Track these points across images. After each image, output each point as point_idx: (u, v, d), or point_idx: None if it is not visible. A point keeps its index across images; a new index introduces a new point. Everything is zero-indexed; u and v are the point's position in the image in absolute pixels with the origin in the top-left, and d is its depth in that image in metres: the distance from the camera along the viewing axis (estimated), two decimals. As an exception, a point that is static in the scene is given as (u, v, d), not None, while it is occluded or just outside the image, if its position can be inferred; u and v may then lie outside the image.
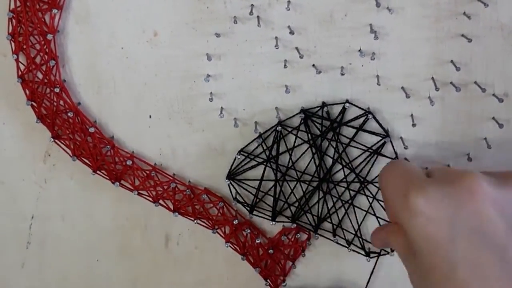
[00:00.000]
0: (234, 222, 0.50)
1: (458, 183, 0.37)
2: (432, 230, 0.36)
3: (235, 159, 0.49)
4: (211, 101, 0.48)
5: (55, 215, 0.52)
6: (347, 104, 0.47)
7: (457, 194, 0.37)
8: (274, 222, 0.50)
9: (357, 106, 0.47)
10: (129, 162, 0.49)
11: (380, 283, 0.52)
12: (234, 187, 0.50)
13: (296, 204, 0.50)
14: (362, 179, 0.48)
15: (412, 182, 0.38)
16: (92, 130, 0.48)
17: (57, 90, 0.47)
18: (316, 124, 0.48)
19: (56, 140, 0.48)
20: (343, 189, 0.49)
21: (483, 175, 0.37)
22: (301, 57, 0.46)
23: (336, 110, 0.48)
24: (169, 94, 0.48)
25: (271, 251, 0.51)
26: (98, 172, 0.49)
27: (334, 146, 0.48)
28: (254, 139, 0.48)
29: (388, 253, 0.50)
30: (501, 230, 0.36)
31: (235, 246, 0.51)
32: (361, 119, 0.47)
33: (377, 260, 0.51)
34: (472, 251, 0.35)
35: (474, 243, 0.36)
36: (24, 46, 0.46)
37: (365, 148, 0.48)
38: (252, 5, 0.45)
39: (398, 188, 0.39)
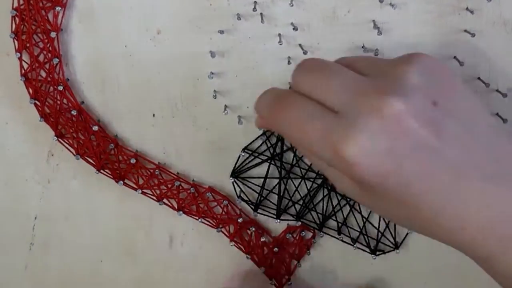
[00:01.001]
0: (239, 221, 0.50)
1: (380, 112, 0.33)
2: (374, 168, 0.33)
3: (239, 157, 0.49)
4: (215, 99, 0.48)
5: (59, 215, 0.52)
6: (351, 100, 0.47)
7: (385, 126, 0.33)
8: (278, 220, 0.50)
9: (361, 102, 0.47)
10: (133, 161, 0.48)
11: (381, 283, 0.52)
12: (238, 185, 0.49)
13: (301, 202, 0.49)
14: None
15: (333, 131, 0.34)
16: (95, 128, 0.48)
17: (60, 88, 0.47)
18: (320, 120, 0.48)
19: (60, 139, 0.48)
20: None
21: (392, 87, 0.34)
22: (304, 53, 0.46)
23: (340, 106, 0.47)
24: (172, 92, 0.48)
25: (276, 249, 0.51)
26: (102, 171, 0.49)
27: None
28: (258, 137, 0.48)
29: (393, 249, 0.50)
30: (426, 136, 0.33)
31: (240, 245, 0.51)
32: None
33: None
34: (416, 168, 0.33)
35: (415, 160, 0.33)
36: (28, 44, 0.46)
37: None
38: (255, 1, 0.45)
39: (316, 138, 0.34)
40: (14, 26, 0.45)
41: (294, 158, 0.48)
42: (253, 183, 0.49)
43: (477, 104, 0.36)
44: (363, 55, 0.40)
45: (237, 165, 0.49)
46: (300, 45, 0.46)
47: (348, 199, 0.49)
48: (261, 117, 0.38)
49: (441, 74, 0.36)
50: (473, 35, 0.45)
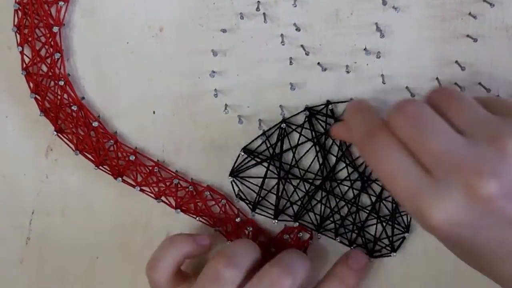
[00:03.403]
0: (236, 220, 0.50)
1: (475, 190, 0.34)
2: (453, 232, 0.36)
3: (238, 156, 0.49)
4: (215, 97, 0.48)
5: (56, 210, 0.52)
6: (351, 103, 0.47)
7: (476, 203, 0.35)
8: (276, 221, 0.50)
9: (361, 105, 0.47)
10: (132, 158, 0.48)
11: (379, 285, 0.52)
12: (237, 185, 0.49)
13: (299, 203, 0.49)
14: (365, 178, 0.48)
15: (420, 190, 0.35)
16: (95, 124, 0.48)
17: (61, 83, 0.47)
18: (320, 122, 0.48)
19: (59, 134, 0.48)
20: (346, 188, 0.49)
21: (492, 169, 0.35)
22: (307, 54, 0.46)
23: (341, 108, 0.48)
24: (173, 90, 0.48)
25: (273, 250, 0.51)
26: (100, 167, 0.49)
27: (338, 144, 0.48)
28: (258, 136, 0.48)
29: (390, 253, 0.50)
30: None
31: (237, 244, 0.51)
32: (366, 118, 0.47)
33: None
34: (494, 237, 0.37)
35: (494, 232, 0.36)
36: (30, 38, 0.46)
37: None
38: (258, 1, 0.45)
39: (402, 188, 0.36)
40: (16, 19, 0.45)
41: (293, 159, 0.48)
42: (251, 183, 0.49)
43: None
44: (466, 99, 0.38)
45: (236, 165, 0.49)
46: (302, 46, 0.46)
47: (346, 201, 0.49)
48: (347, 132, 0.41)
49: None
50: (475, 40, 0.45)
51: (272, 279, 0.45)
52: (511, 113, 0.37)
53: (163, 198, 0.50)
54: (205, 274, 0.45)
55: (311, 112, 0.47)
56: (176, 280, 0.48)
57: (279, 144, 0.48)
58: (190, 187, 0.49)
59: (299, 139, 0.48)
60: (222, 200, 0.50)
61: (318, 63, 0.47)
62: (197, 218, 0.50)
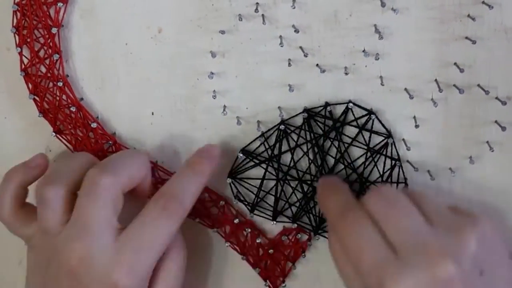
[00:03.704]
0: (235, 222, 0.50)
1: (433, 271, 0.37)
2: None
3: (237, 157, 0.49)
4: (214, 99, 0.48)
5: (55, 211, 0.52)
6: (350, 104, 0.47)
7: (434, 285, 0.37)
8: (274, 222, 0.50)
9: (360, 107, 0.47)
10: (130, 159, 0.48)
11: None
12: (236, 186, 0.49)
13: (297, 204, 0.49)
14: (364, 180, 0.48)
15: (384, 269, 0.38)
16: (94, 125, 0.48)
17: (60, 84, 0.47)
18: (318, 123, 0.48)
19: (58, 135, 0.48)
20: (345, 189, 0.49)
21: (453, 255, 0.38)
22: (305, 55, 0.46)
23: (339, 110, 0.48)
24: (172, 91, 0.48)
25: (271, 251, 0.51)
26: (99, 168, 0.49)
27: (337, 146, 0.48)
28: (257, 138, 0.48)
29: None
30: None
31: (235, 245, 0.51)
32: (364, 119, 0.47)
33: None
34: None
35: None
36: (28, 40, 0.46)
37: (367, 148, 0.48)
38: (257, 3, 0.45)
39: (368, 266, 0.39)
40: (15, 20, 0.45)
41: (292, 161, 0.48)
42: (250, 184, 0.49)
43: None
44: (432, 199, 0.43)
45: (234, 166, 0.49)
46: (301, 47, 0.46)
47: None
48: (324, 208, 0.45)
49: (494, 243, 0.41)
50: (474, 42, 0.45)
51: (91, 179, 0.43)
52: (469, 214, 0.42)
53: (161, 199, 0.50)
54: (83, 185, 0.43)
55: (310, 113, 0.47)
56: (24, 216, 0.46)
57: (277, 145, 0.48)
58: (188, 188, 0.49)
59: (297, 141, 0.48)
60: (221, 202, 0.50)
61: (317, 64, 0.47)
62: (196, 219, 0.50)
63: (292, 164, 0.49)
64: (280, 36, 0.46)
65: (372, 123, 0.47)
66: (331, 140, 0.48)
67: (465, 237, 0.39)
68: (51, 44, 0.46)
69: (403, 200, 0.41)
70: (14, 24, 0.45)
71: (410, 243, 0.39)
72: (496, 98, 0.47)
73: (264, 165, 0.49)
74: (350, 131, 0.48)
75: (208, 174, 0.46)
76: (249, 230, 0.50)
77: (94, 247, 0.41)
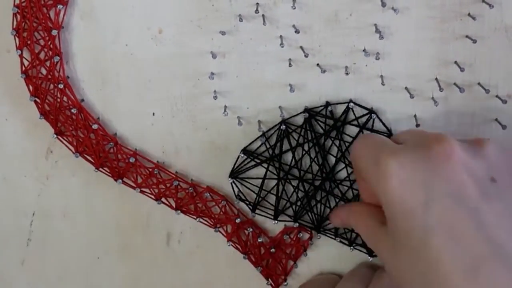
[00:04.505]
0: (236, 221, 0.50)
1: (432, 147, 0.37)
2: (406, 193, 0.36)
3: (238, 157, 0.49)
4: (215, 99, 0.48)
5: (57, 212, 0.52)
6: (351, 104, 0.47)
7: (431, 158, 0.37)
8: (276, 221, 0.50)
9: (361, 106, 0.47)
10: (132, 160, 0.48)
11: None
12: (237, 186, 0.50)
13: (299, 203, 0.50)
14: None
15: (383, 148, 0.39)
16: (95, 127, 0.48)
17: (60, 86, 0.47)
18: (319, 123, 0.48)
19: (59, 137, 0.48)
20: (346, 188, 0.49)
21: (456, 140, 0.38)
22: (306, 55, 0.46)
23: (340, 109, 0.48)
24: (173, 91, 0.48)
25: (273, 250, 0.51)
26: (100, 169, 0.49)
27: (338, 145, 0.48)
28: (258, 138, 0.48)
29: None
30: (474, 194, 0.36)
31: (237, 245, 0.51)
32: (365, 119, 0.47)
33: None
34: (447, 215, 0.35)
35: (449, 207, 0.36)
36: (29, 42, 0.46)
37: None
38: (257, 3, 0.45)
39: (370, 158, 0.39)
40: (15, 23, 0.45)
41: (293, 160, 0.49)
42: (251, 184, 0.50)
43: None
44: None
45: (236, 166, 0.49)
46: (301, 47, 0.46)
47: (346, 201, 0.49)
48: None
49: (507, 160, 0.39)
50: (474, 41, 0.45)
51: None
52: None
53: (163, 199, 0.50)
54: None
55: (311, 113, 0.47)
56: None
57: (278, 145, 0.48)
58: (190, 188, 0.49)
59: (298, 140, 0.48)
60: (222, 201, 0.50)
61: (317, 64, 0.47)
62: (197, 219, 0.50)
63: (293, 163, 0.49)
64: (281, 36, 0.46)
65: (373, 123, 0.48)
66: (332, 139, 0.48)
67: (482, 141, 0.39)
68: (51, 46, 0.46)
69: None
70: (14, 27, 0.45)
71: (413, 136, 0.40)
72: (497, 96, 0.47)
73: (265, 165, 0.49)
74: (351, 130, 0.48)
75: None
76: (251, 229, 0.50)
77: None
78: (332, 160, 0.49)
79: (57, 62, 0.46)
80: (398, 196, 0.37)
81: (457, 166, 0.37)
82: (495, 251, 0.34)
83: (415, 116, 0.48)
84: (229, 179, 0.49)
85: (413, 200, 0.36)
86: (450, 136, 0.38)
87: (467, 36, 0.46)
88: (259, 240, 0.50)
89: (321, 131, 0.48)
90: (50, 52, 0.46)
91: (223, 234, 0.51)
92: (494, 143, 0.40)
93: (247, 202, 0.50)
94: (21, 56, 0.46)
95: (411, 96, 0.47)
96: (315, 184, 0.49)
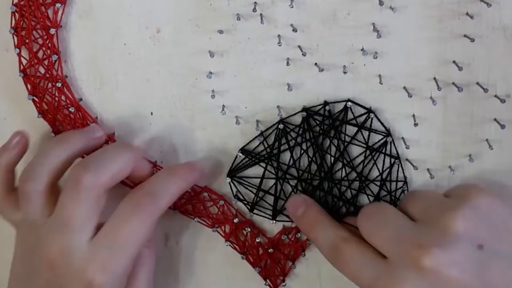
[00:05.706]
0: (234, 221, 0.50)
1: (417, 264, 0.38)
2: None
3: (236, 156, 0.49)
4: (213, 98, 0.48)
5: (55, 211, 0.52)
6: (349, 103, 0.47)
7: (424, 279, 0.38)
8: (274, 221, 0.50)
9: (359, 105, 0.47)
10: (130, 159, 0.48)
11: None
12: (235, 185, 0.49)
13: (297, 203, 0.49)
14: (363, 178, 0.48)
15: (379, 277, 0.40)
16: (93, 126, 0.48)
17: (59, 85, 0.47)
18: (317, 122, 0.48)
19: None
20: (344, 188, 0.49)
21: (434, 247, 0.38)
22: (304, 54, 0.46)
23: (338, 109, 0.48)
24: (171, 91, 0.48)
25: (271, 250, 0.51)
26: (98, 168, 0.49)
27: (336, 144, 0.48)
28: (256, 137, 0.48)
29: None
30: (475, 281, 0.38)
31: (235, 245, 0.51)
32: (363, 118, 0.47)
33: None
34: None
35: None
36: (27, 40, 0.46)
37: (367, 147, 0.48)
38: (255, 2, 0.45)
39: (366, 280, 0.40)
40: (13, 21, 0.45)
41: (291, 159, 0.48)
42: (249, 183, 0.49)
43: None
44: (425, 192, 0.44)
45: (233, 165, 0.49)
46: (299, 46, 0.46)
47: (344, 201, 0.49)
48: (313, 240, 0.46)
49: (492, 213, 0.40)
50: (472, 40, 0.45)
51: (74, 177, 0.42)
52: (461, 193, 0.42)
53: (161, 199, 0.50)
54: (66, 180, 0.43)
55: (309, 112, 0.47)
56: (14, 201, 0.46)
57: (276, 144, 0.48)
58: (188, 188, 0.49)
59: (296, 140, 0.48)
60: (220, 201, 0.50)
61: (315, 63, 0.47)
62: (195, 219, 0.50)
63: (291, 163, 0.49)
64: (279, 35, 0.46)
65: (371, 122, 0.47)
66: (330, 138, 0.48)
67: (448, 221, 0.39)
68: (49, 45, 0.46)
69: (382, 210, 0.42)
70: (13, 25, 0.45)
71: (394, 247, 0.39)
72: (495, 96, 0.47)
73: (263, 164, 0.49)
74: (349, 129, 0.48)
75: (188, 180, 0.46)
76: (249, 229, 0.50)
77: (72, 243, 0.42)
78: (331, 159, 0.48)
79: (55, 61, 0.46)
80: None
81: (448, 272, 0.37)
82: None
83: (413, 115, 0.47)
84: (227, 178, 0.49)
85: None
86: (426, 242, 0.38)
87: (465, 35, 0.46)
88: (257, 240, 0.50)
89: (319, 130, 0.48)
90: (48, 51, 0.46)
91: (221, 234, 0.51)
92: (474, 201, 0.40)
93: (245, 202, 0.50)
94: (19, 54, 0.46)
95: (410, 95, 0.47)
96: (313, 184, 0.49)
